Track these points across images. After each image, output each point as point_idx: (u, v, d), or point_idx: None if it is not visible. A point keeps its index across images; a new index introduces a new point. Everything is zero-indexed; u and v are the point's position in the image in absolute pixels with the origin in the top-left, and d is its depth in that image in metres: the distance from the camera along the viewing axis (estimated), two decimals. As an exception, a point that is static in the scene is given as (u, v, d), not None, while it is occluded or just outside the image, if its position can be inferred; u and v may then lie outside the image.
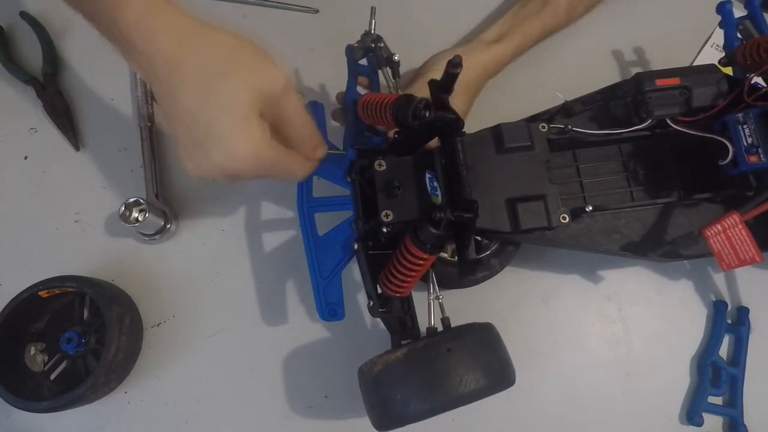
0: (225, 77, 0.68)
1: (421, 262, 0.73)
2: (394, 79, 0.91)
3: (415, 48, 1.08)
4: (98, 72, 1.17)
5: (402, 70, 0.93)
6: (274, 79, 0.70)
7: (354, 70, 0.93)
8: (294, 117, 0.74)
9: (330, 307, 0.83)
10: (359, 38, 0.90)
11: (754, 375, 0.97)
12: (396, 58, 0.87)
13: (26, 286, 0.95)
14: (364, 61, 0.95)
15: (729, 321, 1.00)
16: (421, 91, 0.95)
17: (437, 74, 0.96)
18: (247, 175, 0.70)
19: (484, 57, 1.05)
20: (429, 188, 0.81)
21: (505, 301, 1.01)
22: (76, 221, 1.08)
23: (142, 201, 1.00)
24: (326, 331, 1.02)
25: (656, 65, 1.15)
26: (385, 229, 0.79)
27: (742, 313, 1.00)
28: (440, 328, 0.80)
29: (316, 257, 0.85)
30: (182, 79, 0.68)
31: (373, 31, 0.90)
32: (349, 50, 0.93)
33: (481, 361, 0.73)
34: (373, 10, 0.90)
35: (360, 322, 1.01)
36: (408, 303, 0.85)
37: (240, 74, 0.69)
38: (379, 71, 0.92)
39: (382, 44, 0.89)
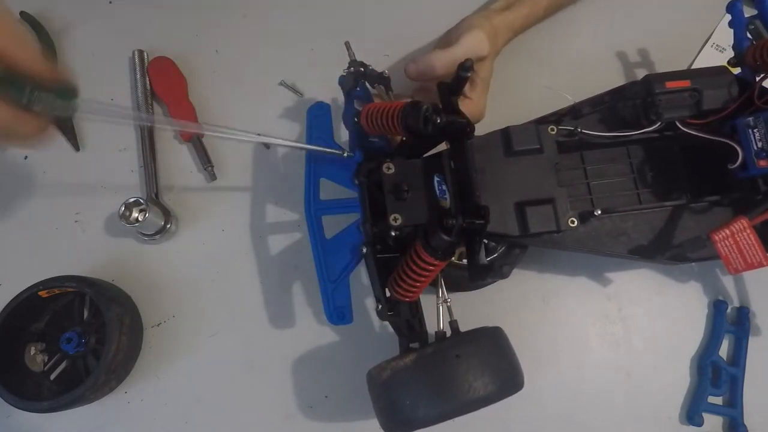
0: None
1: (432, 267, 0.72)
2: (387, 93, 0.91)
3: (424, 25, 1.12)
4: (98, 72, 1.15)
5: (418, 46, 0.95)
6: None
7: (352, 97, 0.93)
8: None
9: (338, 311, 0.82)
10: (347, 67, 0.91)
11: (754, 375, 0.98)
12: (386, 73, 0.89)
13: (26, 286, 0.95)
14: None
15: (729, 321, 1.00)
16: (466, 50, 0.96)
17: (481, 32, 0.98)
18: None
19: (496, 21, 1.04)
20: (437, 191, 0.80)
21: (506, 302, 1.02)
22: (76, 221, 1.08)
23: (142, 201, 0.99)
24: (326, 331, 1.01)
25: (656, 65, 1.15)
26: (393, 233, 0.78)
27: (742, 313, 1.00)
28: (448, 332, 0.80)
29: (323, 260, 0.85)
30: None
31: (355, 59, 0.91)
32: (342, 81, 0.93)
33: (490, 366, 0.73)
34: (347, 45, 0.93)
35: (360, 324, 1.01)
36: (416, 306, 0.85)
37: None
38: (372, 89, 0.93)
39: (370, 66, 0.90)
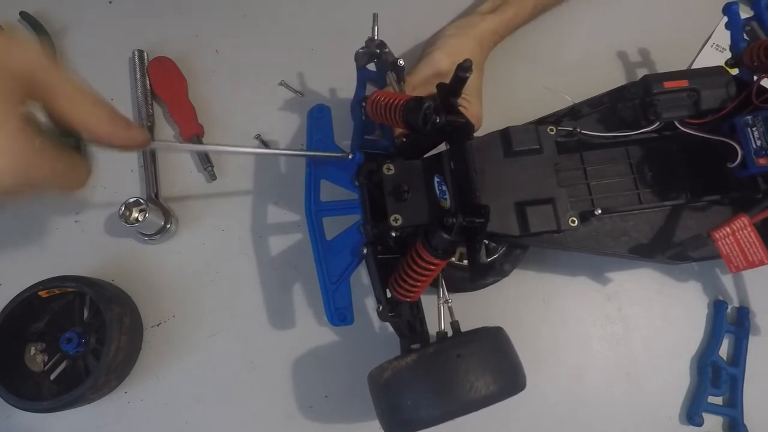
0: None
1: (432, 267, 0.72)
2: (399, 83, 0.90)
3: (417, 26, 1.12)
4: (98, 72, 1.14)
5: (407, 47, 0.98)
6: (26, 57, 0.56)
7: (363, 76, 0.92)
8: (66, 93, 0.58)
9: (339, 312, 0.82)
10: (364, 44, 0.90)
11: (754, 375, 0.97)
12: (401, 62, 0.86)
13: (26, 286, 0.95)
14: (372, 66, 0.94)
15: (729, 321, 1.00)
16: (426, 72, 0.97)
17: (440, 53, 0.98)
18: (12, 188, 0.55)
19: (481, 27, 1.05)
20: (438, 192, 0.80)
21: (507, 302, 1.01)
22: (76, 221, 1.07)
23: (142, 201, 0.99)
24: (327, 331, 1.01)
25: (656, 65, 1.15)
26: (394, 234, 0.78)
27: (742, 313, 1.00)
28: (450, 332, 0.79)
29: (324, 262, 0.84)
30: None
31: (376, 37, 0.89)
32: (356, 56, 0.92)
33: (491, 366, 0.73)
34: (375, 17, 0.89)
35: (361, 324, 1.01)
36: (417, 307, 0.85)
37: None
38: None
39: (387, 49, 0.88)
